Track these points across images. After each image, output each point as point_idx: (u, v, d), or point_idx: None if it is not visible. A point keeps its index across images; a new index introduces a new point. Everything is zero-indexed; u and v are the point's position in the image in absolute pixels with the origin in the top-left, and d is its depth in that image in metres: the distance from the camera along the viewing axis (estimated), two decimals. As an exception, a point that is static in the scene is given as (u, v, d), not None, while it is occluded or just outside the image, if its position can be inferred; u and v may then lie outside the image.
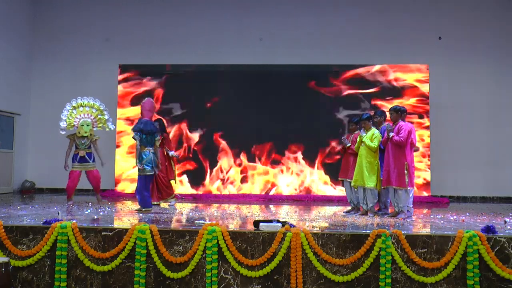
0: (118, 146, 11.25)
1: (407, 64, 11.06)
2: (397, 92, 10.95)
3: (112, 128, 8.26)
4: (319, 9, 11.72)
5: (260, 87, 11.19)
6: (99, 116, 8.04)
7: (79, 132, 7.77)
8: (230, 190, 11.01)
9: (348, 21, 11.65)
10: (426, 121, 10.83)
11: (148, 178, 7.19)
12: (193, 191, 11.00)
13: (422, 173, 10.64)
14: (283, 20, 11.71)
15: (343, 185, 7.94)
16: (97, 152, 7.82)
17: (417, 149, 7.55)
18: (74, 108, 7.93)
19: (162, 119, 8.85)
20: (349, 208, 7.46)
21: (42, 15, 12.18)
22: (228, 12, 11.87)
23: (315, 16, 11.70)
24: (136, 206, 7.65)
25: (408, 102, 10.75)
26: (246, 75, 11.28)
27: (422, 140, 10.67)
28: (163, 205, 8.17)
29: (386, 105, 10.23)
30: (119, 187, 11.07)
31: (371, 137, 6.78)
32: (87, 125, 7.78)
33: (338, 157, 10.44)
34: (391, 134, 6.52)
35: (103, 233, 4.87)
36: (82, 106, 7.92)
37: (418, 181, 10.39)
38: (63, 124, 7.85)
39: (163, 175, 8.15)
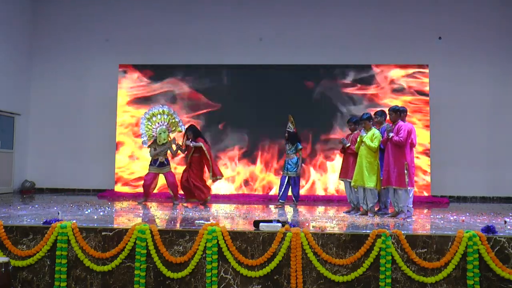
0: (117, 147, 11.23)
1: (407, 64, 11.07)
2: (397, 92, 10.96)
3: (183, 130, 8.68)
4: (319, 9, 11.70)
5: (260, 88, 11.17)
6: (171, 121, 8.51)
7: (159, 141, 8.28)
8: (230, 190, 11.00)
9: (348, 21, 11.63)
10: (426, 121, 10.85)
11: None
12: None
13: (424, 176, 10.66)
14: (283, 20, 11.69)
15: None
16: (173, 149, 8.46)
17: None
18: (148, 119, 8.49)
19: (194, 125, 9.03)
20: (349, 208, 7.47)
21: (42, 15, 12.17)
22: (228, 12, 11.85)
23: (315, 16, 11.68)
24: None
25: (408, 101, 10.76)
26: (246, 75, 11.27)
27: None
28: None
29: (387, 105, 10.21)
30: (119, 188, 11.05)
31: (372, 137, 6.77)
32: (164, 132, 8.32)
33: (339, 157, 10.46)
34: (391, 134, 6.52)
35: (103, 233, 4.87)
36: (155, 116, 8.45)
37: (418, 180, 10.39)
38: (144, 138, 8.42)
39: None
